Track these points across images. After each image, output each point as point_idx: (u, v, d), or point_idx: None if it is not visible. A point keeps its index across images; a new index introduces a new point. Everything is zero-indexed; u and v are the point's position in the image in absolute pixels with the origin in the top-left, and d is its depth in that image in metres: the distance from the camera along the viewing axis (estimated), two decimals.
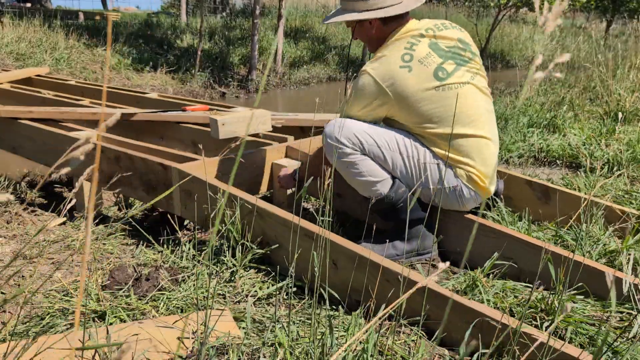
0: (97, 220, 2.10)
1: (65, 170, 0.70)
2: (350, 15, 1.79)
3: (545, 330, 1.32)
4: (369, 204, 1.69)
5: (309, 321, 1.34)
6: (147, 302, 1.41)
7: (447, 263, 0.67)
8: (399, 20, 1.78)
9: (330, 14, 1.85)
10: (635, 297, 1.40)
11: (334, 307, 1.43)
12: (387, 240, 1.75)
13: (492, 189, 1.80)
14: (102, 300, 1.40)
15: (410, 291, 0.69)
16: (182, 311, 1.38)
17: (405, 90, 1.66)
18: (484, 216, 1.99)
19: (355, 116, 1.75)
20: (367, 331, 1.14)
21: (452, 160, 1.71)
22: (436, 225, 1.57)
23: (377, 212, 1.76)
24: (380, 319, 0.98)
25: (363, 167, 1.70)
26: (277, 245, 1.62)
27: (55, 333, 1.27)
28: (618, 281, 1.44)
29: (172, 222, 1.92)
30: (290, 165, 2.06)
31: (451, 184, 1.72)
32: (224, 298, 1.48)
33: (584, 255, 1.67)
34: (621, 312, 1.44)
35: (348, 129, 1.69)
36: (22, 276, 1.62)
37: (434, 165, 1.70)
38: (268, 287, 1.52)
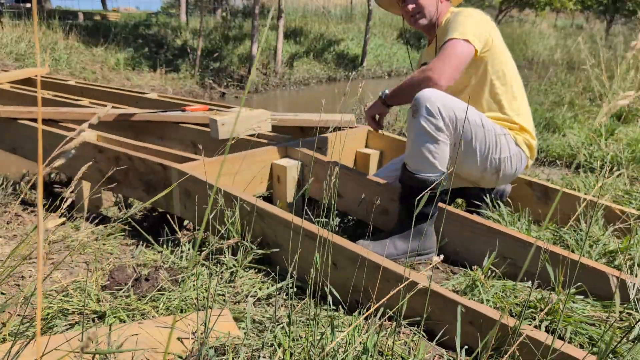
0: (96, 221, 2.10)
1: (59, 163, 0.69)
2: None
3: (545, 330, 1.32)
4: (404, 174, 1.75)
5: (309, 321, 1.34)
6: (146, 303, 1.41)
7: (441, 256, 0.67)
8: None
9: None
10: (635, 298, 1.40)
11: (334, 307, 1.42)
12: (388, 239, 1.75)
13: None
14: (101, 301, 1.40)
15: (411, 293, 0.69)
16: (182, 311, 1.38)
17: (497, 31, 1.87)
18: (484, 216, 1.99)
19: (469, 36, 1.74)
20: (367, 332, 1.13)
21: (515, 127, 1.87)
22: (441, 226, 1.58)
23: (405, 186, 1.78)
24: (380, 319, 0.98)
25: (439, 150, 1.71)
26: (277, 245, 1.62)
27: (55, 333, 1.26)
28: (620, 282, 1.43)
29: (172, 222, 1.92)
30: (290, 165, 2.05)
31: (514, 152, 1.86)
32: (224, 298, 1.48)
33: (583, 255, 1.67)
34: (621, 312, 1.44)
35: (449, 103, 1.69)
36: (22, 276, 1.62)
37: (502, 136, 1.83)
38: (268, 288, 1.52)
